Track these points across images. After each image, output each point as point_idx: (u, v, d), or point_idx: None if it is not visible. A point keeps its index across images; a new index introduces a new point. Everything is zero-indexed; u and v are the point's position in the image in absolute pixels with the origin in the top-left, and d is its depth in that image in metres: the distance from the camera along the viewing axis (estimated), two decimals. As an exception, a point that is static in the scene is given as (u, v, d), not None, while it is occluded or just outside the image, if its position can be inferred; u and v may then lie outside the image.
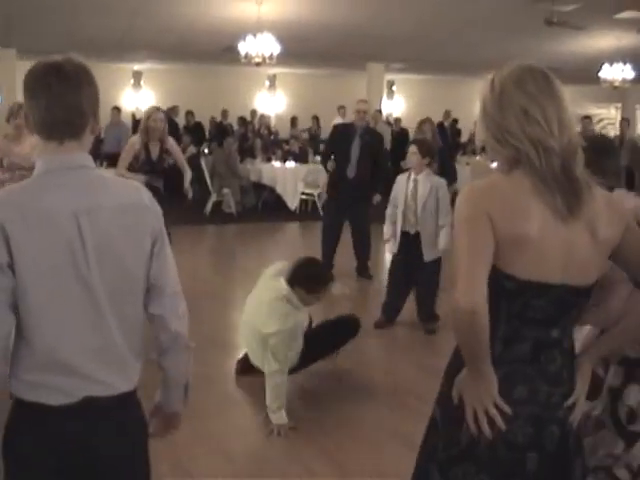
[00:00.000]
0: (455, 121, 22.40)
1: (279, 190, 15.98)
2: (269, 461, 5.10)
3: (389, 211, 7.96)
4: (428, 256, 7.72)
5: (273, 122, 23.28)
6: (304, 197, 16.10)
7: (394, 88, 26.74)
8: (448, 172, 9.09)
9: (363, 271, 10.41)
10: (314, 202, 15.97)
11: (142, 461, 2.66)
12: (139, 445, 2.64)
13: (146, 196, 2.59)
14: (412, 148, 7.71)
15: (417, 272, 7.87)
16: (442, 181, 7.81)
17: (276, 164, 16.53)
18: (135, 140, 8.25)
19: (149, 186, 7.85)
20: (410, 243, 7.76)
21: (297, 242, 14.38)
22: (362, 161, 9.91)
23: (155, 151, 8.12)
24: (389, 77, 25.37)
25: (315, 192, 15.58)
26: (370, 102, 21.23)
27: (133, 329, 2.55)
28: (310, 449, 5.20)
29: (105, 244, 2.42)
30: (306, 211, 16.11)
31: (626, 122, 16.34)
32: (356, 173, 9.91)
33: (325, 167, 10.40)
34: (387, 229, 7.98)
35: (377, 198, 10.04)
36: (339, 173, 9.96)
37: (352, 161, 9.89)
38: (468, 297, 2.36)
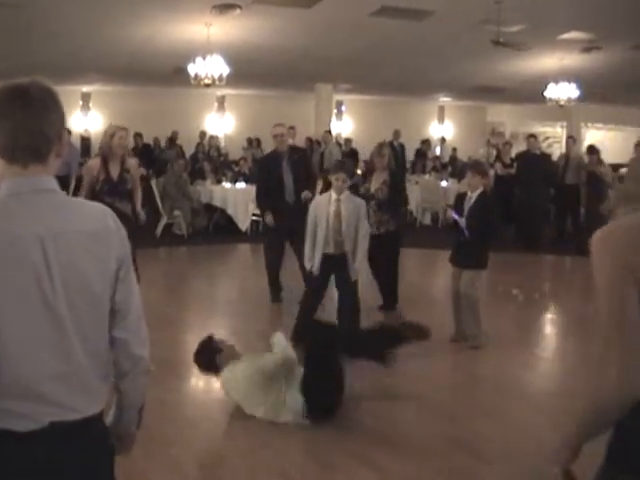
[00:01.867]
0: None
1: (230, 211, 15.92)
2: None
3: (309, 231, 8.00)
4: (354, 275, 7.94)
5: (222, 143, 23.22)
6: (255, 218, 16.04)
7: (343, 108, 26.89)
8: (399, 196, 9.37)
9: None
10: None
11: None
12: (106, 468, 2.62)
13: (112, 220, 2.56)
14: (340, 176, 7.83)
15: (340, 293, 8.09)
16: (361, 200, 8.14)
17: (227, 185, 16.48)
18: (93, 163, 8.16)
19: (117, 211, 7.89)
20: (333, 265, 7.91)
21: (248, 263, 14.39)
22: (297, 183, 9.89)
23: (115, 171, 7.99)
24: (338, 97, 25.53)
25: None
26: (320, 122, 21.52)
27: (98, 353, 2.52)
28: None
29: (71, 268, 2.39)
30: (257, 232, 16.05)
31: (572, 140, 16.57)
32: (295, 196, 9.89)
33: (262, 216, 10.23)
34: (309, 250, 8.02)
35: (307, 195, 9.78)
36: (279, 201, 9.79)
37: (288, 187, 9.84)
38: (626, 386, 2.15)
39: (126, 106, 22.09)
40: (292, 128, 18.73)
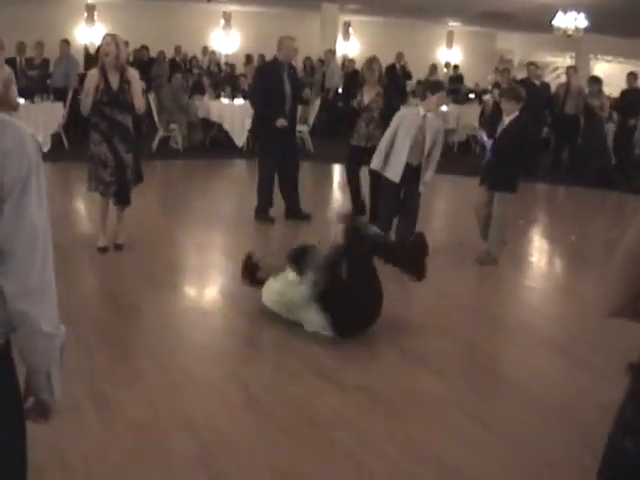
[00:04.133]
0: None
1: (227, 127, 15.89)
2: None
3: (388, 137, 8.56)
4: (422, 188, 8.59)
5: (226, 60, 23.02)
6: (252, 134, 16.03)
7: (350, 30, 26.62)
8: (390, 110, 9.32)
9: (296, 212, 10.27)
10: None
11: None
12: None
13: (10, 139, 2.14)
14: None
15: (405, 202, 8.66)
16: (442, 124, 8.75)
17: (225, 101, 16.41)
18: (92, 72, 8.00)
19: (117, 123, 7.81)
20: (410, 174, 8.47)
21: (244, 179, 14.42)
22: (293, 97, 9.95)
23: (115, 81, 7.81)
24: (345, 18, 25.30)
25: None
26: (324, 42, 21.34)
27: None
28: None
29: None
30: (253, 148, 16.07)
31: (573, 70, 16.36)
32: (292, 109, 9.98)
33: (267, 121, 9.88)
34: (380, 154, 8.60)
35: (282, 122, 9.71)
36: (279, 110, 9.74)
37: (287, 98, 9.85)
38: None
39: (131, 20, 21.87)
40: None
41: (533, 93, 14.79)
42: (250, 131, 14.42)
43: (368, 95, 9.65)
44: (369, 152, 9.17)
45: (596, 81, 15.17)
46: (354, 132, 9.78)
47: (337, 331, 5.92)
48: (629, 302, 2.15)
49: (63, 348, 2.36)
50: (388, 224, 8.62)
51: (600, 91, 14.87)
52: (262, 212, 9.99)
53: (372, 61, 9.88)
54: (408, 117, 8.53)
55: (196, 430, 4.48)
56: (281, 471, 4.10)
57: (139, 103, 8.00)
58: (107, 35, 8.13)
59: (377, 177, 8.92)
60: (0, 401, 2.33)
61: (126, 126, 7.92)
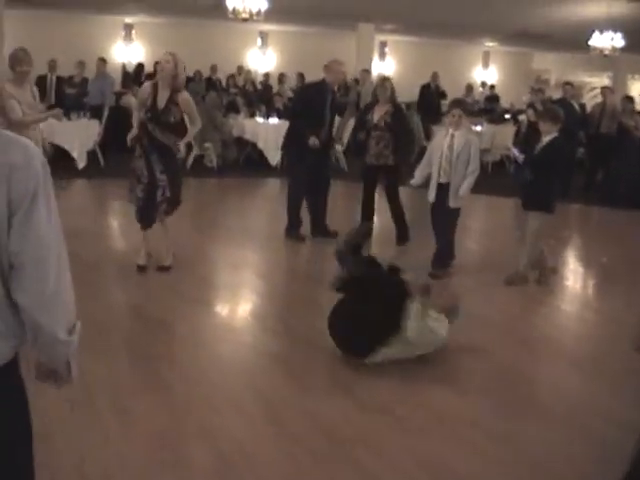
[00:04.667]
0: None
1: (261, 145, 16.01)
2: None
3: (426, 157, 8.79)
4: (454, 203, 8.53)
5: (262, 79, 23.14)
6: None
7: (386, 50, 26.72)
8: (403, 132, 9.74)
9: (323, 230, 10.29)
10: (295, 159, 15.99)
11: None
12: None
13: (21, 155, 2.23)
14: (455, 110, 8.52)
15: (438, 218, 8.69)
16: (474, 138, 8.89)
17: (259, 120, 16.55)
18: (144, 87, 7.97)
19: (156, 141, 7.72)
20: (442, 192, 8.53)
21: (278, 198, 14.48)
22: (331, 120, 10.13)
23: (163, 99, 7.71)
24: (381, 38, 25.40)
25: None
26: (360, 62, 21.43)
27: None
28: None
29: None
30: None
31: (609, 90, 16.33)
32: (328, 133, 10.12)
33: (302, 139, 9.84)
34: (420, 172, 8.81)
35: (314, 140, 9.74)
36: (318, 132, 9.78)
37: (325, 122, 9.98)
38: None
39: (169, 38, 22.10)
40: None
41: (568, 113, 14.81)
42: (282, 149, 14.52)
43: (378, 113, 9.75)
44: (382, 170, 9.65)
45: (630, 100, 15.14)
46: (366, 151, 9.84)
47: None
48: None
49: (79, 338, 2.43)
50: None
51: (634, 110, 14.81)
52: (292, 230, 10.06)
53: (384, 80, 10.21)
54: (437, 137, 8.79)
55: (216, 442, 4.52)
56: (299, 485, 4.14)
57: (191, 128, 8.02)
58: (167, 53, 7.86)
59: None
60: (10, 423, 2.45)
61: (166, 146, 7.80)
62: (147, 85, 7.95)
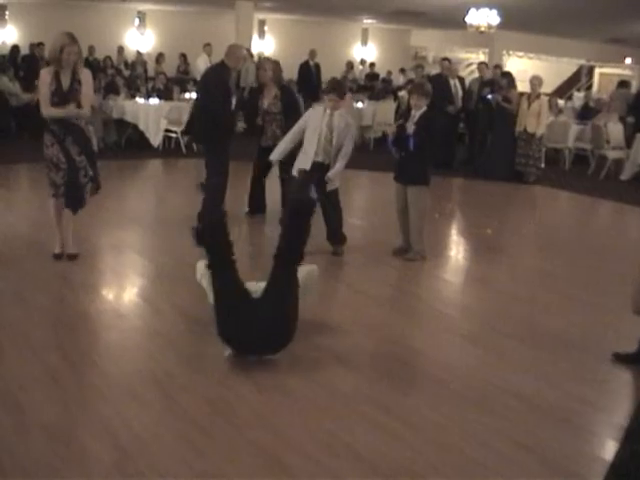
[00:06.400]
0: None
1: (142, 127, 15.74)
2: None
3: (294, 131, 8.66)
4: (329, 186, 8.52)
5: (134, 59, 22.74)
6: (167, 134, 15.95)
7: (266, 28, 26.64)
8: (292, 112, 9.69)
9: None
10: (177, 139, 15.90)
11: None
12: None
13: None
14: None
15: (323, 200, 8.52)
16: (352, 121, 8.67)
17: (140, 100, 16.26)
18: (45, 72, 7.66)
19: (66, 122, 7.52)
20: (316, 169, 8.40)
21: (160, 179, 14.36)
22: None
23: (66, 81, 7.56)
24: (260, 17, 25.31)
25: (178, 129, 15.47)
26: (240, 41, 21.27)
27: None
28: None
29: None
30: (169, 148, 16.02)
31: (484, 65, 16.73)
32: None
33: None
34: (284, 145, 8.77)
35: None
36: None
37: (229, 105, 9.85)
38: None
39: (45, 20, 21.50)
40: (208, 45, 18.64)
41: (441, 88, 15.07)
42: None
43: (267, 99, 9.87)
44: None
45: (506, 75, 15.47)
46: (262, 134, 9.96)
47: None
48: None
49: None
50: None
51: (510, 85, 15.11)
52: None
53: (264, 61, 10.30)
54: (314, 116, 8.58)
55: (112, 432, 4.44)
56: (197, 471, 4.09)
57: (85, 104, 7.72)
58: (72, 42, 7.54)
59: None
60: None
61: (79, 127, 7.69)
62: (45, 73, 7.66)
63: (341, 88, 8.91)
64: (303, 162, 8.47)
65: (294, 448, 4.37)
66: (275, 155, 8.81)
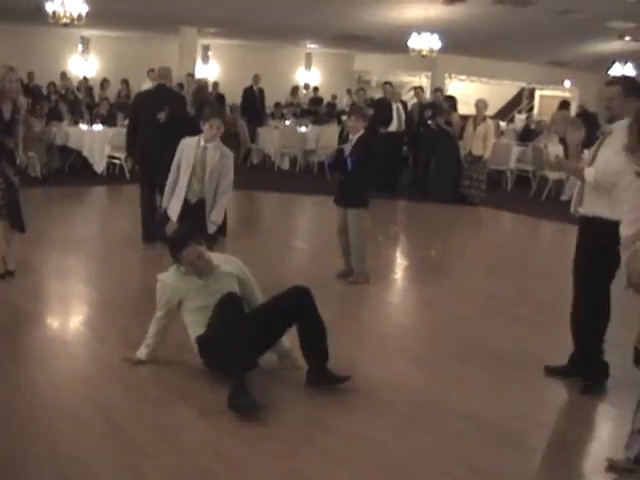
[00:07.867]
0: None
1: (86, 153, 15.61)
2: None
3: (173, 171, 7.57)
4: (211, 229, 7.51)
5: (77, 84, 22.62)
6: (111, 160, 15.88)
7: (210, 53, 26.69)
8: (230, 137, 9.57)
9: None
10: (121, 165, 15.81)
11: None
12: None
13: None
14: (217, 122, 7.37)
15: None
16: (229, 151, 7.60)
17: (83, 127, 16.16)
18: None
19: (8, 150, 7.68)
20: (191, 211, 7.43)
21: (104, 205, 14.28)
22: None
23: (8, 110, 7.76)
24: (205, 42, 25.35)
25: (122, 155, 15.39)
26: (183, 66, 21.32)
27: None
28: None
29: None
30: (113, 174, 15.94)
31: (420, 89, 17.25)
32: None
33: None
34: (168, 190, 7.61)
35: None
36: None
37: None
38: None
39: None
40: (152, 71, 18.56)
41: (382, 111, 15.30)
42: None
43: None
44: None
45: (448, 99, 15.69)
46: None
47: None
48: None
49: None
50: None
51: (452, 108, 15.32)
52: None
53: (201, 87, 10.26)
54: (187, 148, 7.47)
55: (58, 464, 4.39)
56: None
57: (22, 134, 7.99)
58: (10, 71, 8.08)
59: None
60: None
61: (12, 151, 7.82)
62: None
63: (223, 115, 8.53)
64: (176, 201, 7.50)
65: (240, 474, 4.38)
66: (166, 202, 7.63)
